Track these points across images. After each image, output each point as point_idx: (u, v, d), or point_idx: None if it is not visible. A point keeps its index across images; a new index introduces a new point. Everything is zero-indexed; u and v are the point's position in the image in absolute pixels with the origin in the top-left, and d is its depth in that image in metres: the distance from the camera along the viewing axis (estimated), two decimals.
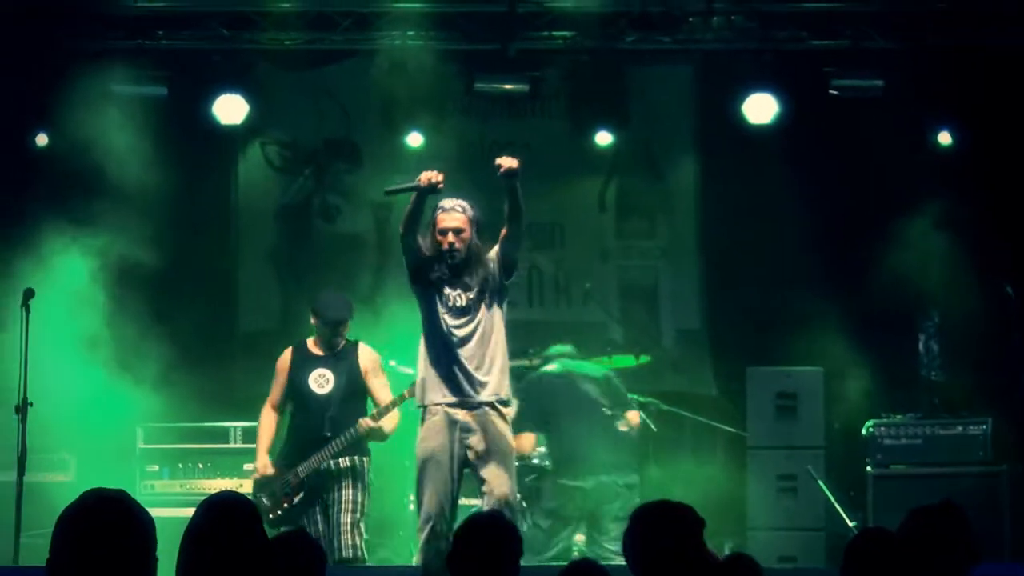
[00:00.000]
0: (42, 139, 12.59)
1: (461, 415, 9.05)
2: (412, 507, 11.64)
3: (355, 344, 10.39)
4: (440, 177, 9.03)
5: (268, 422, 10.36)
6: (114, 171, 11.98)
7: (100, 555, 3.81)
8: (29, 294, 9.67)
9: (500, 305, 9.19)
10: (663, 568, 5.34)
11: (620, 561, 5.72)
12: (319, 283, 13.54)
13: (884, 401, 12.10)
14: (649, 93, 13.62)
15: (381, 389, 10.26)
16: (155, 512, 4.08)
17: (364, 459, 10.20)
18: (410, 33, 12.61)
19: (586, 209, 13.89)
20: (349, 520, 10.05)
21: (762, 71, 12.49)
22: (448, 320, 9.10)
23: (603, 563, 6.21)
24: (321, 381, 10.21)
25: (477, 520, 6.16)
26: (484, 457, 9.00)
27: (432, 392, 9.10)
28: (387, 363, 11.71)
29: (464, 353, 9.06)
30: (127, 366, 11.48)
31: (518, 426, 10.40)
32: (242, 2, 12.46)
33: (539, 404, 11.51)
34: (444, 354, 9.09)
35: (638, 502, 10.47)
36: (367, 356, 10.37)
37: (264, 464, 10.21)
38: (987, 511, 10.92)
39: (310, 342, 10.42)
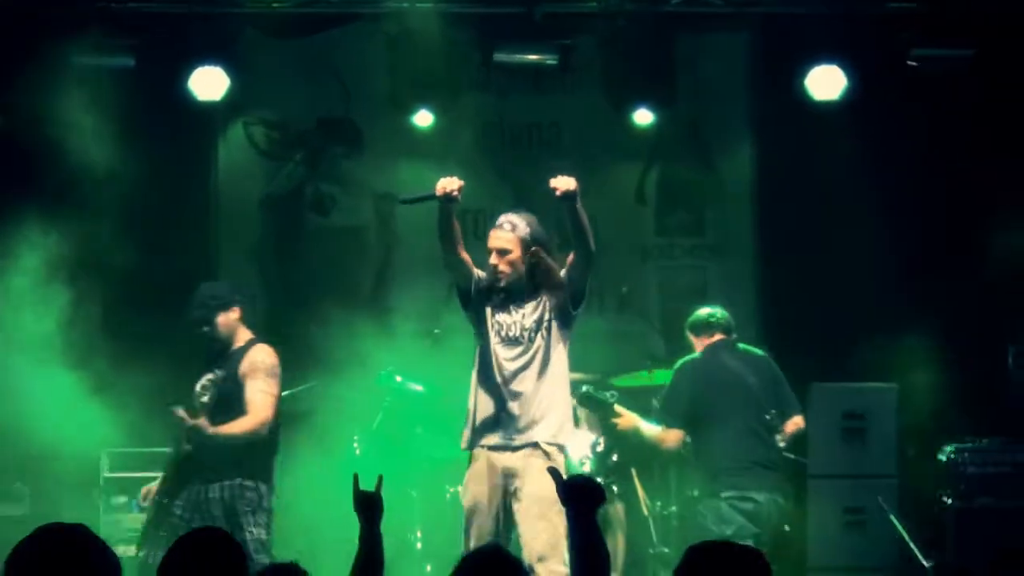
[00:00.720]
0: None
1: (505, 459, 9.22)
2: (420, 545, 11.69)
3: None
4: (456, 185, 9.11)
5: None
6: (75, 154, 12.00)
7: None
8: None
9: (564, 337, 9.32)
10: None
11: None
12: (310, 283, 13.61)
13: (967, 425, 12.08)
14: (698, 65, 13.61)
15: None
16: (120, 551, 4.08)
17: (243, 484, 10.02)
18: None
19: (622, 201, 13.90)
20: None
21: (829, 39, 12.46)
22: (500, 351, 9.29)
23: None
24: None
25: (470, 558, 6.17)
26: (524, 506, 9.10)
27: (476, 434, 9.28)
28: (392, 377, 11.76)
29: (515, 387, 9.22)
30: (86, 380, 11.46)
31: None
32: None
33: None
34: (492, 389, 9.27)
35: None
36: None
37: None
38: None
39: None
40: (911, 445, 12.05)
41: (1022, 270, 12.22)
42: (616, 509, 11.75)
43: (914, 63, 12.40)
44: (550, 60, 12.71)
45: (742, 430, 10.41)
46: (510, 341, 9.25)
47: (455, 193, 9.09)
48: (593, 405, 10.67)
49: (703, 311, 11.13)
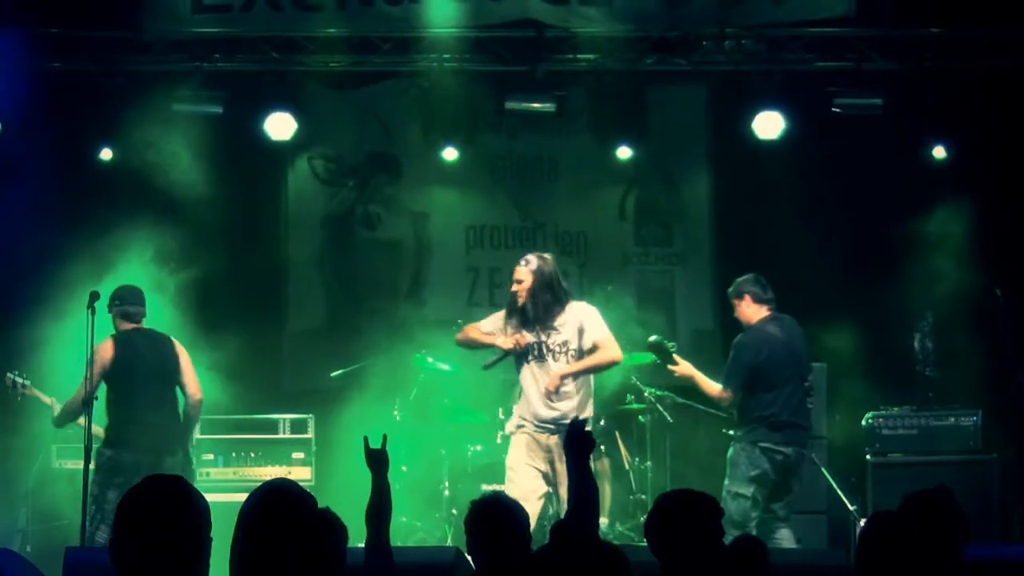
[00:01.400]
0: (107, 154, 12.57)
1: (543, 439, 9.43)
2: (447, 493, 11.64)
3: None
4: (525, 341, 9.47)
5: None
6: (174, 183, 12.05)
7: (159, 536, 3.81)
8: (95, 296, 9.61)
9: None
10: (684, 552, 5.41)
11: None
12: (360, 284, 13.61)
13: (883, 395, 12.04)
14: (666, 111, 13.57)
15: None
16: (210, 497, 4.06)
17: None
18: (446, 56, 12.61)
19: (608, 218, 13.84)
20: None
21: (770, 91, 12.42)
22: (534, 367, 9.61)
23: None
24: None
25: (478, 504, 6.15)
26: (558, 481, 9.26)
27: (515, 416, 9.68)
28: (425, 359, 11.71)
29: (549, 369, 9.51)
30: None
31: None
32: (291, 27, 12.45)
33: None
34: (528, 375, 9.56)
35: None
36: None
37: None
38: (977, 496, 10.92)
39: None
40: (839, 412, 12.01)
41: (921, 275, 12.18)
42: (603, 464, 11.70)
43: (837, 109, 12.38)
44: (549, 107, 12.65)
45: (790, 393, 10.06)
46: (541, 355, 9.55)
47: (523, 347, 9.43)
48: (658, 351, 10.42)
49: (754, 280, 10.43)
